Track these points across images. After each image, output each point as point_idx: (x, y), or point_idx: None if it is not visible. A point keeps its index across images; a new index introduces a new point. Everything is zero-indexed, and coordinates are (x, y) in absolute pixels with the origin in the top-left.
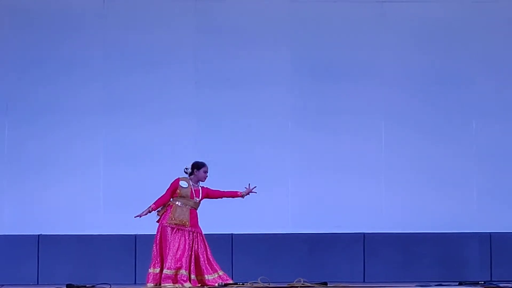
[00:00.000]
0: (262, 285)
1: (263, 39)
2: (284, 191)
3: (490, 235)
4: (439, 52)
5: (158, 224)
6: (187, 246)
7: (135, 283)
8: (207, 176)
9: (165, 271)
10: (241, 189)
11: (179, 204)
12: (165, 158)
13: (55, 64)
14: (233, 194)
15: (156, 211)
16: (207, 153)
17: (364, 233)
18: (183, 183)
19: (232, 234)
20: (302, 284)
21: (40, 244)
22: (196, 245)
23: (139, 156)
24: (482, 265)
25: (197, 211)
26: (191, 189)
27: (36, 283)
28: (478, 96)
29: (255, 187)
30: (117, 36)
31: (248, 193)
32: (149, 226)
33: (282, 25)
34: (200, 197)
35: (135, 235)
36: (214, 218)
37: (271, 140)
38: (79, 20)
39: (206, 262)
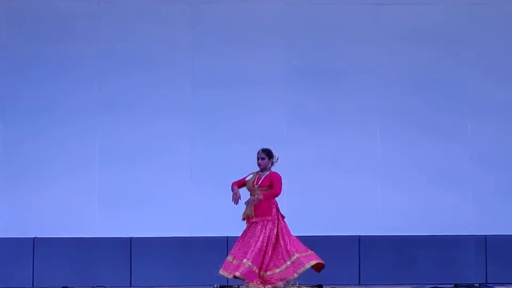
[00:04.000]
0: (256, 286)
1: (259, 40)
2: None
3: (486, 237)
4: (433, 53)
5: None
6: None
7: (130, 285)
8: (258, 162)
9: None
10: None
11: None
12: (160, 159)
13: (50, 64)
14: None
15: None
16: (203, 153)
17: (359, 236)
18: (249, 176)
19: (227, 237)
20: (298, 286)
21: (35, 247)
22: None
23: (134, 157)
24: (477, 267)
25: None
26: (255, 178)
27: (31, 286)
28: (473, 98)
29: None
30: (112, 37)
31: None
32: (144, 228)
33: (277, 27)
34: (259, 184)
35: (131, 237)
36: (209, 221)
37: (267, 141)
38: (75, 20)
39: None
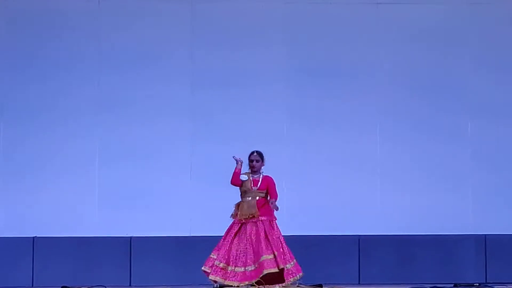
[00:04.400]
0: (257, 287)
1: (258, 39)
2: (279, 192)
3: (485, 237)
4: (434, 53)
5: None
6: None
7: (130, 284)
8: (251, 164)
9: None
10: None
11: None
12: (160, 158)
13: (50, 63)
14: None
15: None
16: (203, 153)
17: (359, 235)
18: (242, 176)
19: None
20: (297, 286)
21: (35, 246)
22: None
23: (134, 156)
24: (477, 267)
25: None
26: (249, 180)
27: (31, 285)
28: (473, 97)
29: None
30: (112, 36)
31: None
32: (144, 228)
33: (277, 26)
34: (257, 186)
35: (130, 237)
36: (209, 220)
37: (267, 140)
38: (75, 19)
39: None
